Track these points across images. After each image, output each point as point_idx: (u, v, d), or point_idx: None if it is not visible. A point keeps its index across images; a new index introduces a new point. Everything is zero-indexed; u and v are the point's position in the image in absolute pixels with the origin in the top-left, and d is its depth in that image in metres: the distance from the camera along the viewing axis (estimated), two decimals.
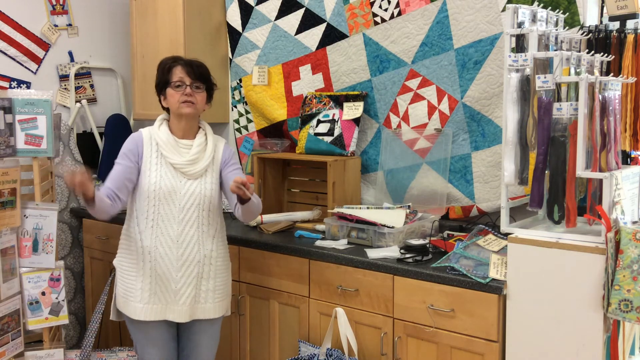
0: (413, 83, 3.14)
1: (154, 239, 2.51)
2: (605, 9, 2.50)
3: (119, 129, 4.10)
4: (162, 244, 2.50)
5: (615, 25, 2.45)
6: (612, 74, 2.42)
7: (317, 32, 3.48)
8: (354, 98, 3.32)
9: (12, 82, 3.90)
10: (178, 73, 2.54)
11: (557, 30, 2.35)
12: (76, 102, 4.14)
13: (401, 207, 3.04)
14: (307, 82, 3.56)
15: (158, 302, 2.51)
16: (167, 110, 2.62)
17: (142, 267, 2.51)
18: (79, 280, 3.97)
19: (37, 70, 4.01)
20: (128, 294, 2.54)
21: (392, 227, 2.78)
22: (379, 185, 3.27)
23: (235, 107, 3.94)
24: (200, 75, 2.56)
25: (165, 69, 2.57)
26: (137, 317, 2.51)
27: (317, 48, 3.49)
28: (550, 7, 2.63)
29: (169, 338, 2.59)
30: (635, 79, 2.38)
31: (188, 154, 2.54)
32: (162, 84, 2.58)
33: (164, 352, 2.58)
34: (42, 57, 4.02)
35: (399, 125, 3.21)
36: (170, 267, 2.49)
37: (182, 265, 2.50)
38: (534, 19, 2.34)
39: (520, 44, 2.27)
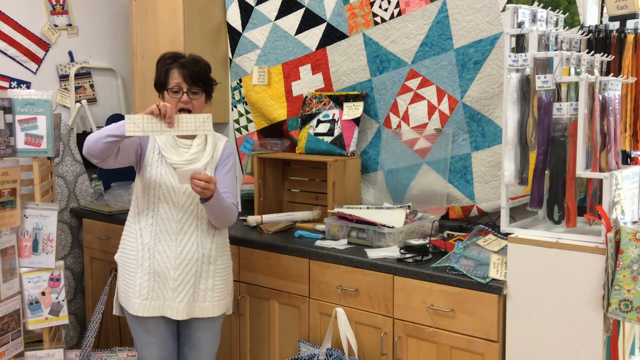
0: (413, 83, 3.14)
1: (154, 236, 2.51)
2: (605, 9, 2.50)
3: None
4: (162, 241, 2.51)
5: (615, 25, 2.45)
6: (612, 74, 2.42)
7: (317, 32, 3.48)
8: (354, 98, 3.32)
9: (12, 82, 3.90)
10: (175, 77, 2.52)
11: (557, 30, 2.35)
12: (76, 102, 4.14)
13: (401, 207, 3.04)
14: (307, 82, 3.56)
15: (156, 299, 2.51)
16: None
17: (141, 263, 2.52)
18: (79, 280, 3.97)
19: (37, 70, 4.01)
20: (128, 289, 2.55)
21: (392, 227, 2.78)
22: (379, 185, 3.27)
23: (235, 107, 3.95)
24: (197, 78, 2.53)
25: (163, 70, 2.56)
26: (135, 312, 2.52)
27: (317, 48, 3.49)
28: (550, 7, 2.63)
29: (169, 335, 2.60)
30: (635, 79, 2.38)
31: (187, 154, 2.55)
32: (160, 85, 2.58)
33: (163, 349, 2.58)
34: (42, 57, 4.03)
35: (399, 125, 3.22)
36: (169, 264, 2.50)
37: (181, 264, 2.50)
38: (534, 19, 2.34)
39: (520, 44, 2.28)
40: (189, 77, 2.51)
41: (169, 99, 2.53)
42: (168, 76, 2.53)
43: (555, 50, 2.29)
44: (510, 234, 2.28)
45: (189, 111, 2.52)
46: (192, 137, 2.60)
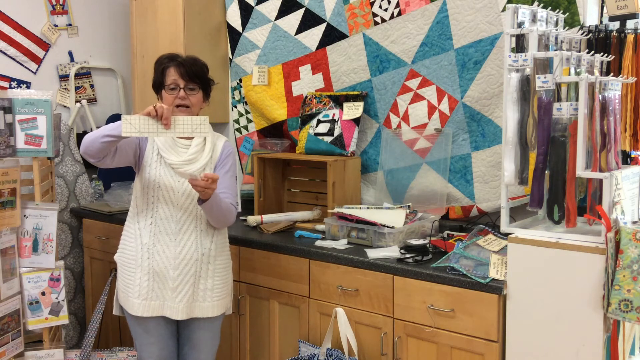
0: (413, 83, 3.14)
1: (153, 236, 2.51)
2: (605, 9, 2.50)
3: None
4: (160, 241, 2.51)
5: (615, 25, 2.45)
6: (612, 74, 2.42)
7: (317, 32, 3.48)
8: (354, 98, 3.32)
9: (12, 82, 3.90)
10: (172, 75, 2.53)
11: (557, 30, 2.35)
12: (76, 102, 4.14)
13: (401, 207, 3.04)
14: (307, 82, 3.56)
15: (156, 299, 2.52)
16: None
17: (141, 263, 2.52)
18: (79, 280, 3.97)
19: (37, 70, 4.01)
20: (127, 289, 2.55)
21: (392, 227, 2.78)
22: (379, 185, 3.27)
23: (235, 107, 3.95)
24: (194, 75, 2.54)
25: (159, 70, 2.57)
26: (135, 312, 2.52)
27: (317, 48, 3.49)
28: (550, 7, 2.63)
29: (168, 335, 2.60)
30: (635, 79, 2.38)
31: (186, 154, 2.54)
32: (158, 85, 2.58)
33: (162, 349, 2.58)
34: (42, 57, 4.03)
35: (399, 125, 3.22)
36: (168, 264, 2.50)
37: (180, 264, 2.50)
38: (534, 19, 2.34)
39: (520, 44, 2.28)
40: (185, 74, 2.52)
41: (166, 97, 2.54)
42: (165, 74, 2.54)
43: (555, 50, 2.29)
44: (510, 234, 2.28)
45: (187, 107, 2.53)
46: (191, 137, 2.59)
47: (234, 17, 3.84)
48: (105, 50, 4.34)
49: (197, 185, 2.32)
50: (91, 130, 4.17)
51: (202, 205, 2.43)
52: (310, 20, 3.50)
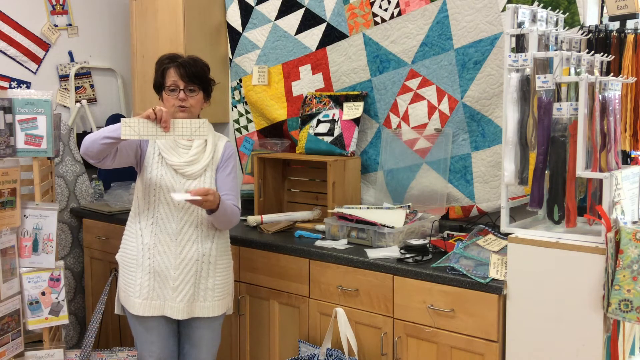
0: (413, 83, 3.14)
1: (154, 236, 2.52)
2: (605, 9, 2.50)
3: None
4: (161, 241, 2.51)
5: (615, 25, 2.45)
6: (612, 74, 2.42)
7: (317, 32, 3.48)
8: (354, 98, 3.32)
9: (12, 82, 3.90)
10: (172, 76, 2.53)
11: (557, 30, 2.35)
12: (76, 102, 4.14)
13: (401, 207, 3.04)
14: (307, 82, 3.56)
15: (157, 298, 2.52)
16: None
17: (142, 263, 2.52)
18: (79, 280, 3.97)
19: (37, 70, 4.01)
20: (128, 288, 2.56)
21: (392, 227, 2.78)
22: (379, 185, 3.27)
23: (235, 107, 3.95)
24: (194, 76, 2.54)
25: (160, 70, 2.57)
26: (135, 312, 2.53)
27: (317, 48, 3.49)
28: (550, 7, 2.63)
29: (169, 334, 2.60)
30: (635, 79, 2.38)
31: (187, 155, 2.55)
32: (158, 86, 2.59)
33: (163, 348, 2.59)
34: (42, 57, 4.03)
35: (399, 125, 3.22)
36: (169, 264, 2.50)
37: (180, 264, 2.51)
38: (534, 19, 2.34)
39: (520, 44, 2.28)
40: (185, 75, 2.53)
41: (166, 98, 2.55)
42: (165, 76, 2.55)
43: (555, 50, 2.29)
44: (510, 234, 2.28)
45: (187, 107, 2.53)
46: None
47: (234, 17, 3.84)
48: (105, 50, 4.34)
49: (195, 203, 2.36)
50: (91, 130, 4.17)
51: (210, 215, 2.48)
52: (310, 20, 3.50)
